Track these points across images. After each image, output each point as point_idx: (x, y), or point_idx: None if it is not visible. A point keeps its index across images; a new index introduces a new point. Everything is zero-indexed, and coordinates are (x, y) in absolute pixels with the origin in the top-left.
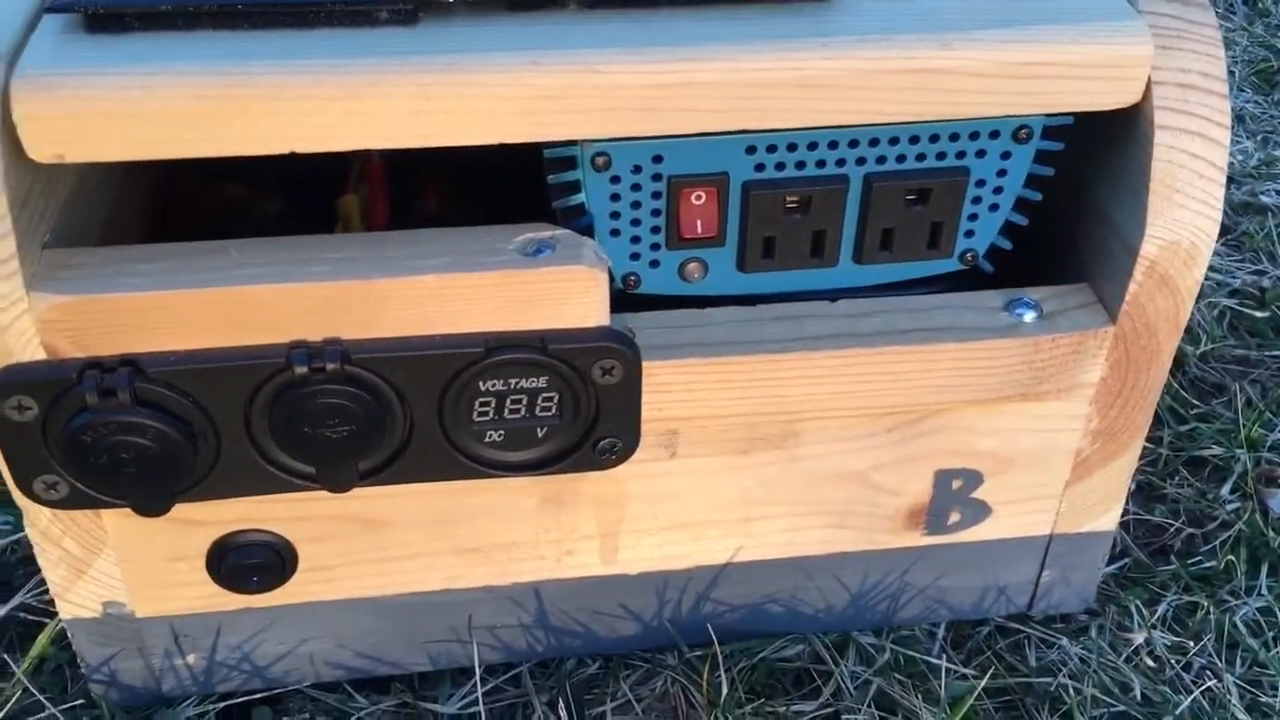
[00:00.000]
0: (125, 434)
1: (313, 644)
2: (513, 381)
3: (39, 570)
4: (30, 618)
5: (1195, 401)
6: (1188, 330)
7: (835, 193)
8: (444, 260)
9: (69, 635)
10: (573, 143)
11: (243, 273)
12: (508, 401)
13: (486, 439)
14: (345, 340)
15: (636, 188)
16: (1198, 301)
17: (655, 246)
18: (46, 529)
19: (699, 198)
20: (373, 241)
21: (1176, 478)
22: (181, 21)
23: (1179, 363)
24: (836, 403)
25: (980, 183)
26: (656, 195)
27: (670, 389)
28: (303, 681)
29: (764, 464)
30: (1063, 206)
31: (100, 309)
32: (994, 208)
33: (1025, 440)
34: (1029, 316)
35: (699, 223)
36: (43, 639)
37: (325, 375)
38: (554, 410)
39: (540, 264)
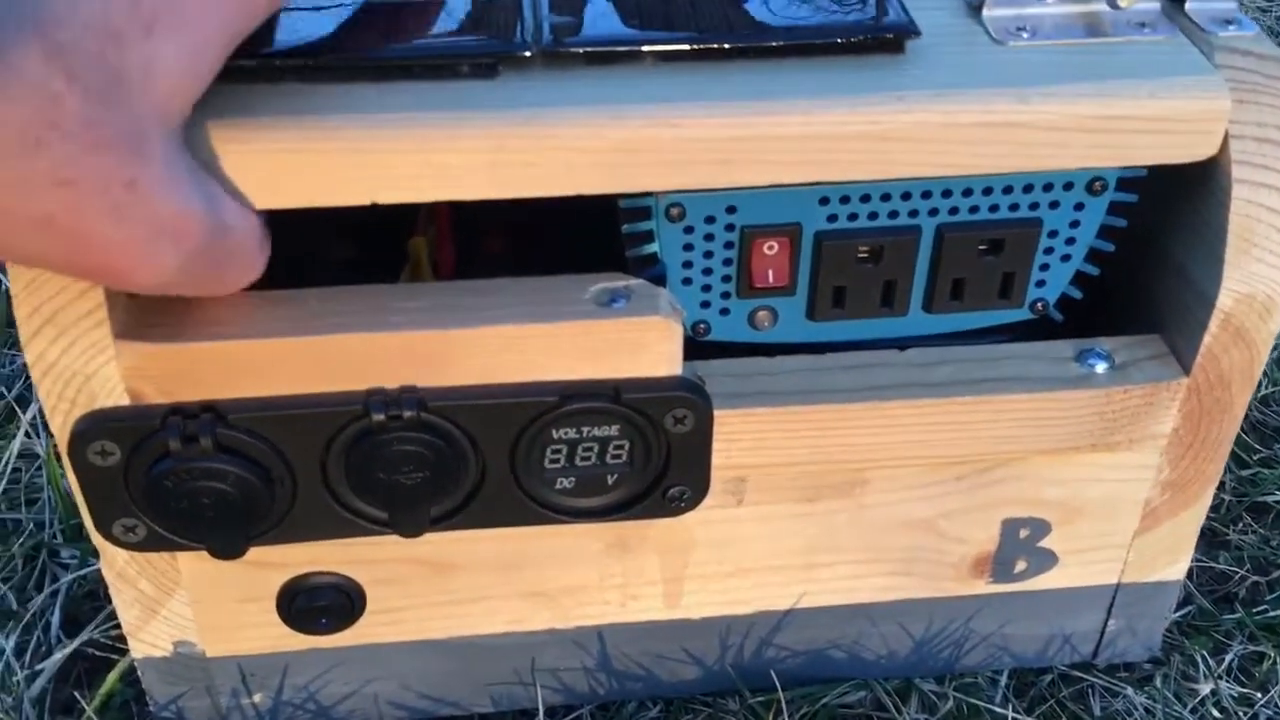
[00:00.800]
0: (205, 479)
1: (377, 685)
2: (585, 430)
3: (105, 606)
4: (98, 654)
5: (1257, 446)
6: None
7: (907, 243)
8: (519, 310)
9: (139, 673)
10: (648, 193)
11: (322, 322)
12: (579, 449)
13: (557, 485)
14: (421, 388)
15: (709, 237)
16: None
17: (726, 295)
18: (122, 570)
19: (771, 248)
20: (448, 291)
21: (1240, 524)
22: (265, 76)
23: None
24: (905, 452)
25: (1053, 233)
26: (729, 245)
27: (740, 438)
28: (368, 714)
29: (830, 512)
30: (1135, 256)
31: (185, 357)
32: (1066, 258)
33: (1095, 490)
34: (1100, 367)
35: (770, 272)
36: (112, 676)
37: (401, 422)
38: (625, 458)
39: (615, 314)
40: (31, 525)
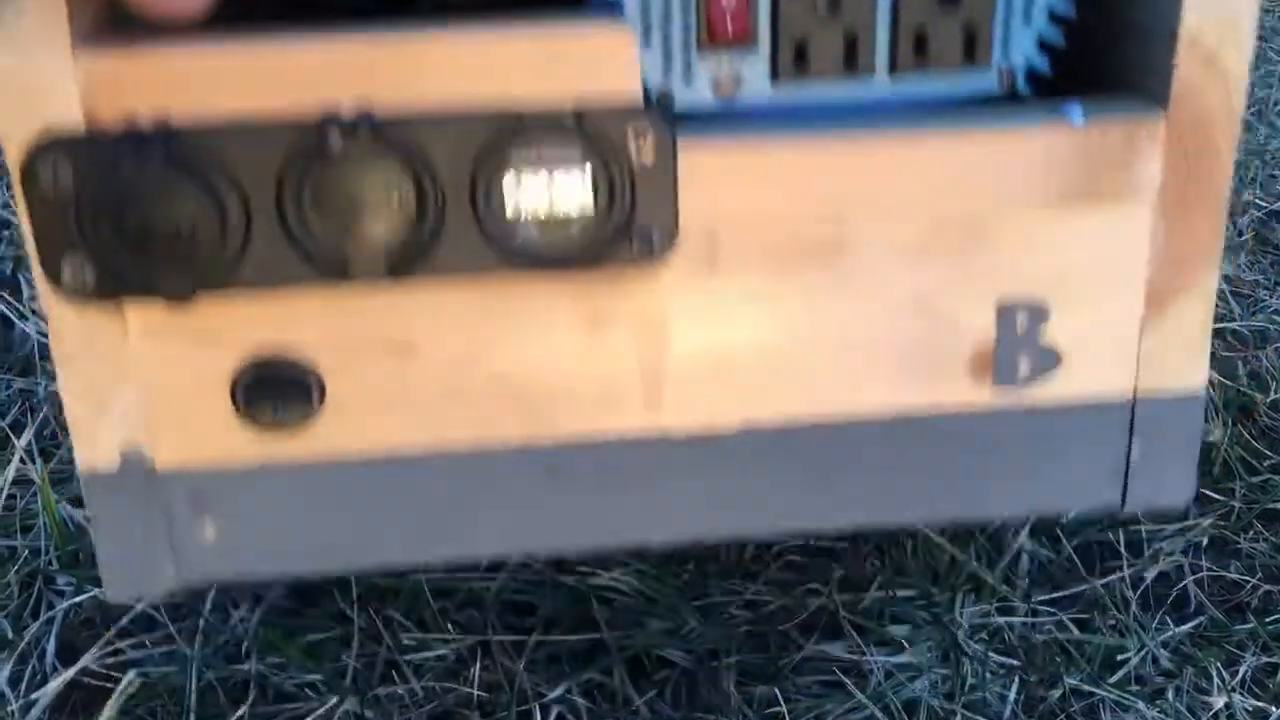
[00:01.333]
0: (158, 205)
1: (334, 515)
2: (546, 154)
3: (102, 633)
4: (94, 682)
5: (1267, 452)
6: (1255, 377)
7: None
8: (479, 24)
9: (84, 497)
10: None
11: (282, 36)
12: (541, 179)
13: (519, 225)
14: (377, 111)
15: None
16: (1264, 347)
17: (687, 50)
18: (70, 348)
19: None
20: (416, 20)
21: (1251, 532)
22: None
23: (1248, 412)
24: (881, 198)
25: None
26: None
27: (708, 177)
28: (327, 563)
29: (812, 284)
30: (1100, 24)
31: (144, 68)
32: (1027, 17)
33: (1088, 259)
34: (1076, 114)
35: (729, 20)
36: (110, 710)
37: (357, 144)
38: (589, 196)
39: (574, 22)
40: (26, 552)
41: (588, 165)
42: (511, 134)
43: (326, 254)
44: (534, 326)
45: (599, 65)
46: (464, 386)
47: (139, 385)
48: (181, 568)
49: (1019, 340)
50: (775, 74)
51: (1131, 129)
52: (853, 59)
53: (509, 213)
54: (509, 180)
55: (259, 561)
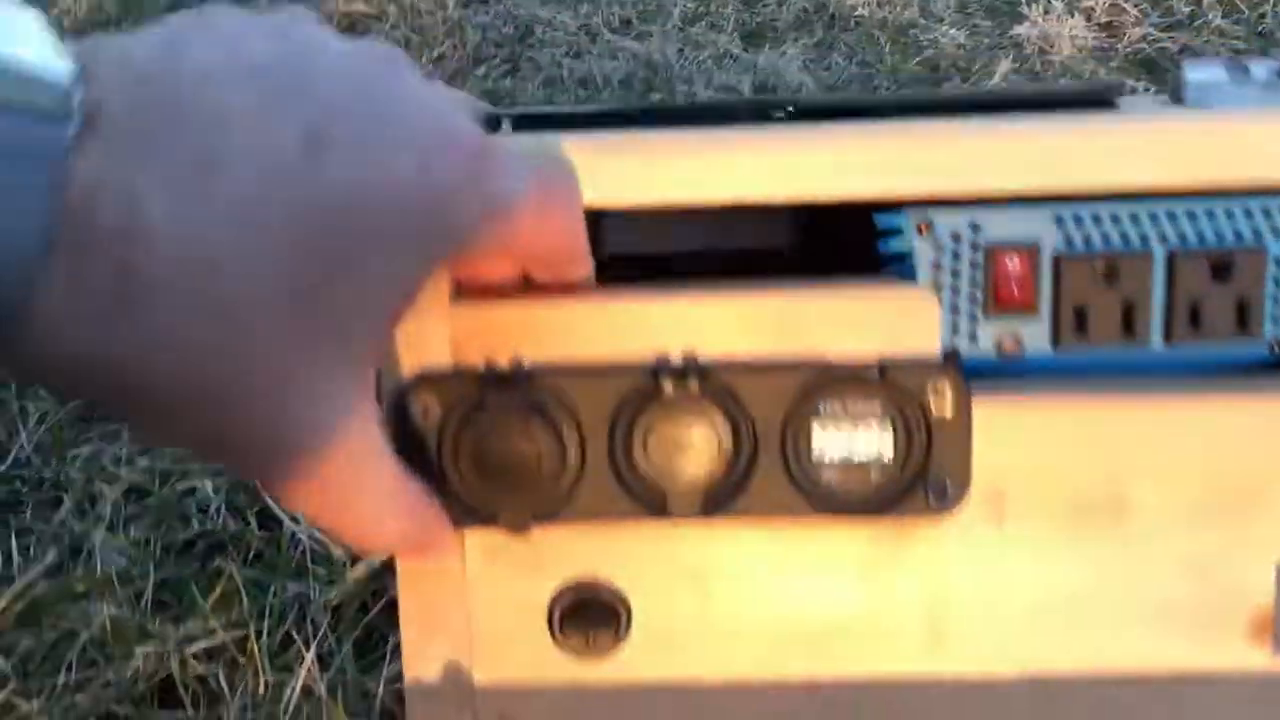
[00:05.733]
0: (509, 439)
1: None
2: (851, 405)
3: None
4: None
5: None
6: None
7: (1141, 263)
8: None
9: (407, 704)
10: (898, 209)
11: (618, 291)
12: (845, 428)
13: (823, 471)
14: (703, 360)
15: (956, 255)
16: None
17: (973, 317)
18: (413, 575)
19: (1013, 261)
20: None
21: None
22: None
23: None
24: (1162, 460)
25: None
26: (974, 263)
27: (997, 432)
28: None
29: (1094, 541)
30: None
31: (501, 319)
32: None
33: None
34: None
35: (1015, 287)
36: None
37: (684, 390)
38: (889, 443)
39: (883, 287)
40: None
41: (889, 417)
42: (821, 385)
43: (648, 491)
44: (826, 567)
45: (903, 324)
46: (755, 621)
47: (469, 608)
48: None
49: None
50: (1056, 338)
51: None
52: (1130, 327)
53: (814, 459)
54: (816, 428)
55: None
